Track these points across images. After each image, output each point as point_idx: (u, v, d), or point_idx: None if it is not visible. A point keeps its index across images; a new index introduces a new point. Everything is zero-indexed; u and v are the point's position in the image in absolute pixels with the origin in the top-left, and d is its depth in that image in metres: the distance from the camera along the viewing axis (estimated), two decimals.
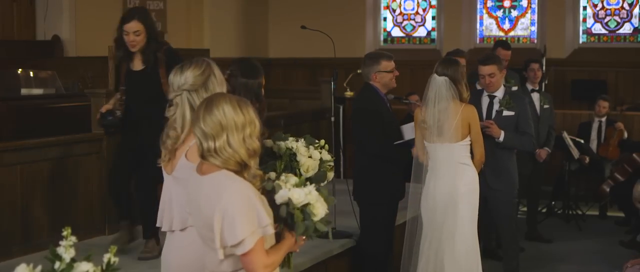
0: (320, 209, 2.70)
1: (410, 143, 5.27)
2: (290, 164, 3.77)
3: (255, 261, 2.55)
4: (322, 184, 3.92)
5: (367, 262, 5.42)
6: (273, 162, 3.88)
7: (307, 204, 2.69)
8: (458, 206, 4.99)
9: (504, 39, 10.89)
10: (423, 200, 5.10)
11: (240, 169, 2.62)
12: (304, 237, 2.77)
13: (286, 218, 2.70)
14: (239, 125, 2.61)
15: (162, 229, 3.11)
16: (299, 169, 3.76)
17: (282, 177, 2.79)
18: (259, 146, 2.67)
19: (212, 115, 2.60)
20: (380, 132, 5.22)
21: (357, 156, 5.47)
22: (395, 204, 5.40)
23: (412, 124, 5.32)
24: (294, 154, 3.77)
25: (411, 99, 7.96)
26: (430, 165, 5.07)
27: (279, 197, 2.68)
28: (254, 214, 2.55)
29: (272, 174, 2.89)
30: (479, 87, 6.29)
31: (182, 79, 3.02)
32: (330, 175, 3.88)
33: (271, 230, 2.60)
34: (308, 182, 2.80)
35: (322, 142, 3.90)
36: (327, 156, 3.83)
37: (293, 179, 2.74)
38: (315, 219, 2.70)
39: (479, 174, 5.18)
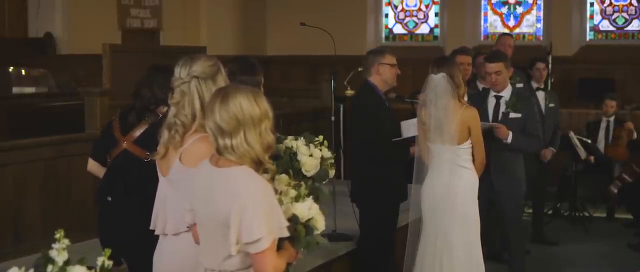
0: (321, 223, 2.67)
1: (409, 140, 5.17)
2: (291, 164, 3.68)
3: (267, 261, 2.50)
4: (323, 183, 3.82)
5: (368, 265, 5.33)
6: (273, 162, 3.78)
7: (310, 219, 2.65)
8: (455, 209, 4.95)
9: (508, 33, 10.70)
10: (423, 199, 5.05)
11: (256, 165, 2.57)
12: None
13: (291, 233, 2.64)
14: (255, 119, 2.55)
15: (156, 232, 3.08)
16: (301, 169, 3.67)
17: (282, 187, 2.73)
18: (273, 139, 2.62)
19: (228, 110, 2.54)
20: (375, 131, 5.13)
21: (355, 156, 5.38)
22: (396, 206, 5.30)
23: (414, 120, 5.21)
24: (295, 154, 3.69)
25: (418, 99, 7.76)
26: (432, 164, 5.04)
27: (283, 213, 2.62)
28: (273, 215, 2.52)
29: (284, 177, 2.83)
30: (480, 87, 6.17)
31: (192, 68, 2.97)
32: (332, 172, 3.85)
33: (287, 232, 2.55)
34: (306, 197, 2.72)
35: (321, 138, 3.81)
36: (327, 153, 3.77)
37: (292, 192, 2.69)
38: (317, 232, 2.66)
39: (485, 175, 5.13)
